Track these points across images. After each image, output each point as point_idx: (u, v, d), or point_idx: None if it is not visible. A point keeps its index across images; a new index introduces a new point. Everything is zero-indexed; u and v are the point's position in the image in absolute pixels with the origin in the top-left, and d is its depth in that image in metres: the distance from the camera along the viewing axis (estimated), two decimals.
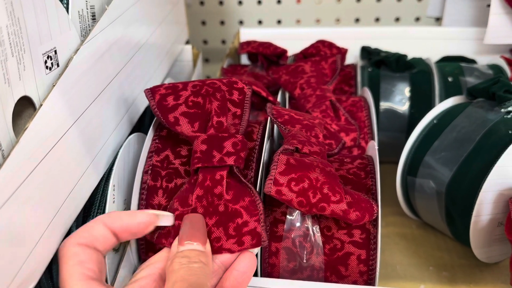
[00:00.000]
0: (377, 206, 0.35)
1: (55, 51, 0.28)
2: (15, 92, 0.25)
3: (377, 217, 0.35)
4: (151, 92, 0.36)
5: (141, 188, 0.37)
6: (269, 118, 0.39)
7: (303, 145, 0.36)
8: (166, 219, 0.32)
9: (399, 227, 0.52)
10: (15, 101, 0.25)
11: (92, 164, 0.33)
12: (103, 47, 0.34)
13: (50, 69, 0.28)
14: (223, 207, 0.33)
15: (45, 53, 0.27)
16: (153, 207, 0.36)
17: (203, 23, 0.83)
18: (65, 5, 0.30)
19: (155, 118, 0.39)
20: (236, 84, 0.38)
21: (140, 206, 0.36)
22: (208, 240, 0.31)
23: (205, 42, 0.85)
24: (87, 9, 0.33)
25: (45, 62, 0.27)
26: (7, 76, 0.24)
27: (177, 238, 0.31)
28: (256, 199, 0.33)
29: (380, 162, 0.60)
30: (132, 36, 0.40)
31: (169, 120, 0.35)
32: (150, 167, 0.37)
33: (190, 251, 0.29)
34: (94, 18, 0.34)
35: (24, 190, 0.25)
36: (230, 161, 0.33)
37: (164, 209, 0.35)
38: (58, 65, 0.29)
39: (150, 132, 0.38)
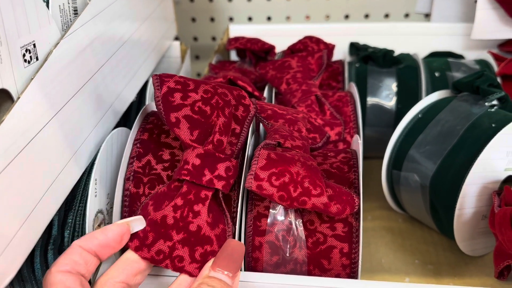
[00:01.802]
0: (359, 199, 0.35)
1: (34, 45, 0.28)
2: None
3: (359, 210, 0.35)
4: (160, 81, 0.34)
5: (124, 195, 0.36)
6: (253, 114, 0.39)
7: (285, 139, 0.37)
8: (137, 223, 0.31)
9: (385, 221, 0.53)
10: None
11: (73, 157, 0.33)
12: (84, 41, 0.34)
13: (29, 62, 0.28)
14: (195, 227, 0.32)
15: (23, 47, 0.27)
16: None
17: (193, 20, 0.83)
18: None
19: (136, 120, 0.38)
20: (244, 99, 0.36)
21: (123, 214, 0.36)
22: (238, 274, 0.31)
23: (195, 39, 0.85)
24: (68, 3, 0.33)
25: (24, 55, 0.28)
26: None
27: (212, 259, 0.31)
28: (228, 229, 0.33)
29: (368, 157, 0.60)
30: (115, 31, 0.40)
31: (170, 120, 0.33)
32: (132, 174, 0.36)
33: (218, 281, 0.29)
34: (76, 13, 0.34)
35: (1, 181, 0.25)
36: (219, 185, 0.33)
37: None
38: (37, 59, 0.29)
39: (131, 136, 0.37)
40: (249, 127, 0.36)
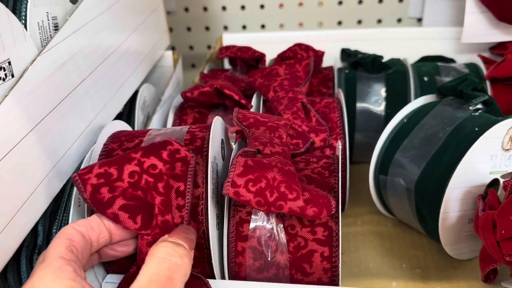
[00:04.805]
0: (336, 202, 0.35)
1: (9, 62, 0.29)
2: None
3: (338, 214, 0.36)
4: (81, 181, 0.32)
5: None
6: (208, 138, 0.38)
7: (265, 146, 0.37)
8: None
9: (375, 225, 0.53)
10: None
11: (54, 169, 0.34)
12: (65, 56, 0.35)
13: (4, 79, 0.29)
14: None
15: None
16: None
17: (188, 29, 0.85)
18: (23, 17, 0.31)
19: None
20: (179, 153, 0.34)
21: None
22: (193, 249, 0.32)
23: (191, 47, 0.86)
24: (48, 20, 0.34)
25: None
26: None
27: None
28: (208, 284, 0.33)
29: (358, 162, 0.61)
30: (100, 43, 0.41)
31: (108, 217, 0.32)
32: None
33: (177, 243, 0.30)
34: (56, 29, 0.35)
35: None
36: None
37: None
38: (13, 76, 0.30)
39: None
40: (193, 179, 0.34)
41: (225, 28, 0.84)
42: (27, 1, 0.32)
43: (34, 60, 0.31)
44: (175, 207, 0.33)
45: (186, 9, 0.83)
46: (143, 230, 0.32)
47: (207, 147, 0.37)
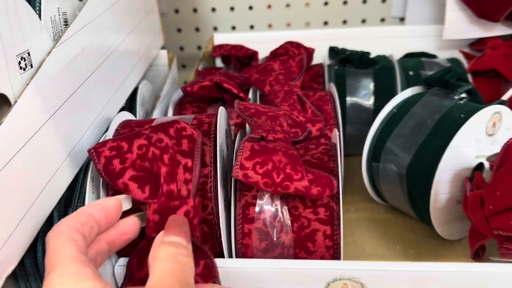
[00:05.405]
0: (337, 181, 0.37)
1: (29, 53, 0.31)
2: None
3: (338, 194, 0.38)
4: (96, 154, 0.35)
5: None
6: (215, 122, 0.40)
7: (268, 133, 0.39)
8: (125, 201, 0.34)
9: (368, 212, 0.55)
10: None
11: (69, 157, 0.36)
12: (76, 50, 0.37)
13: (24, 69, 0.31)
14: None
15: (18, 55, 0.30)
16: None
17: (179, 30, 0.86)
18: (37, 11, 0.33)
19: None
20: (185, 131, 0.36)
21: None
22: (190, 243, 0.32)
23: (181, 48, 0.88)
24: (59, 15, 0.36)
25: (19, 63, 0.30)
26: None
27: (161, 232, 0.31)
28: (211, 261, 0.34)
29: (349, 155, 0.63)
30: (105, 40, 0.43)
31: (119, 186, 0.34)
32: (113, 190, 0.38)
33: (176, 243, 0.30)
34: (66, 24, 0.37)
35: (1, 179, 0.27)
36: None
37: None
38: (31, 66, 0.31)
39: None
40: (200, 156, 0.36)
41: (215, 29, 0.86)
42: None
43: (50, 52, 0.33)
44: (182, 181, 0.35)
45: (177, 11, 0.85)
46: (151, 199, 0.34)
47: (215, 130, 0.39)
